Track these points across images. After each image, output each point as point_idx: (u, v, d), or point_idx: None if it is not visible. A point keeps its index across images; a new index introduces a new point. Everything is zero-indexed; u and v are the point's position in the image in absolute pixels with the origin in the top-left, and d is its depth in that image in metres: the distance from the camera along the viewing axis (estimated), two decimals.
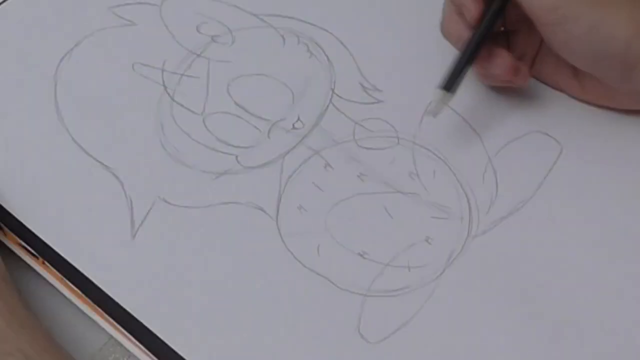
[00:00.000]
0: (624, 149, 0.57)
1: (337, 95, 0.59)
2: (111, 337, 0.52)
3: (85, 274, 0.52)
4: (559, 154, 0.57)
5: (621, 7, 0.52)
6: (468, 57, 0.55)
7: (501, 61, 0.55)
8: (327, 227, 0.54)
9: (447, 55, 0.58)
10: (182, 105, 0.58)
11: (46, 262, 0.53)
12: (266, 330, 0.51)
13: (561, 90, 0.58)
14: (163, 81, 0.59)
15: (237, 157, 0.57)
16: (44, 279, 0.53)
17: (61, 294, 0.52)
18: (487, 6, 0.55)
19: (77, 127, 0.58)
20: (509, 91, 0.58)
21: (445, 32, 0.57)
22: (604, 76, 0.54)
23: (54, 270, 0.53)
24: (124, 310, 0.51)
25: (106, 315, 0.51)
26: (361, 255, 0.53)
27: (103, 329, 0.52)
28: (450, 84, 0.54)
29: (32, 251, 0.53)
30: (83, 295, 0.52)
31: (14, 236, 0.54)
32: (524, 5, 0.54)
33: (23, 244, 0.53)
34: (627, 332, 0.51)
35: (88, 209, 0.55)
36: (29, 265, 0.53)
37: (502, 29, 0.57)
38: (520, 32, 0.57)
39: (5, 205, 0.54)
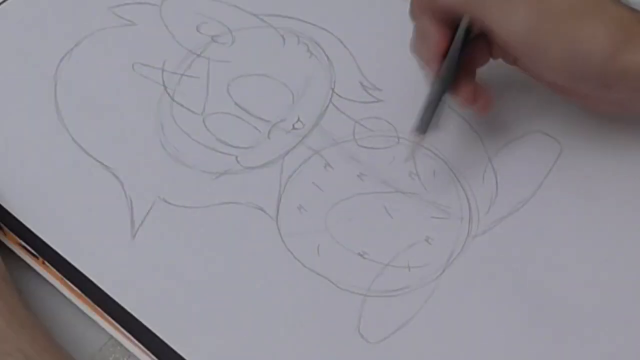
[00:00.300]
0: (623, 149, 0.57)
1: (337, 95, 0.59)
2: (111, 337, 0.52)
3: (85, 274, 0.52)
4: (559, 154, 0.57)
5: (597, 23, 0.51)
6: (439, 97, 0.53)
7: (463, 96, 0.54)
8: (327, 227, 0.54)
9: None
10: (182, 105, 0.58)
11: (46, 262, 0.53)
12: (266, 330, 0.51)
13: (548, 88, 0.58)
14: (163, 81, 0.59)
15: (237, 157, 0.57)
16: (44, 279, 0.53)
17: (61, 294, 0.52)
18: (451, 39, 0.53)
19: (77, 127, 0.58)
20: (508, 91, 0.58)
21: (414, 51, 0.56)
22: (585, 90, 0.53)
23: (54, 270, 0.53)
24: (124, 310, 0.51)
25: (106, 315, 0.52)
26: (361, 255, 0.53)
27: (103, 329, 0.52)
28: (424, 126, 0.53)
29: (32, 251, 0.53)
30: (83, 295, 0.52)
31: (14, 236, 0.54)
32: (497, 37, 0.52)
33: (23, 243, 0.53)
34: (627, 332, 0.51)
35: (88, 209, 0.55)
36: (29, 265, 0.53)
37: None
38: None
39: (5, 205, 0.54)
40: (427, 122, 0.53)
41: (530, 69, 0.55)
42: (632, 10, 0.52)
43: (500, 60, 0.58)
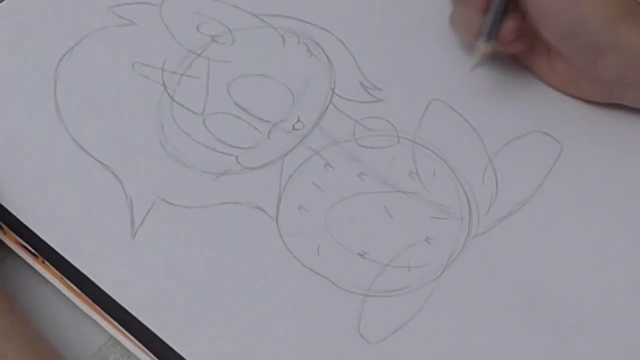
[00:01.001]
0: (623, 149, 0.57)
1: (337, 95, 0.59)
2: (111, 337, 0.52)
3: (85, 273, 0.52)
4: (559, 154, 0.57)
5: None
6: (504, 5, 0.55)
7: (509, 29, 0.55)
8: (327, 227, 0.54)
9: (446, 53, 0.59)
10: (182, 105, 0.58)
11: (46, 261, 0.53)
12: (266, 330, 0.51)
13: (532, 72, 0.59)
14: (163, 81, 0.59)
15: (237, 157, 0.57)
16: (44, 278, 0.53)
17: (61, 293, 0.52)
18: None
19: (77, 127, 0.57)
20: (509, 90, 0.58)
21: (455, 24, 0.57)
22: (571, 55, 0.55)
23: (54, 270, 0.53)
24: (124, 309, 0.51)
25: (106, 315, 0.51)
26: (361, 255, 0.53)
27: (103, 329, 0.52)
28: (492, 33, 0.55)
29: (32, 250, 0.53)
30: (83, 295, 0.52)
31: (14, 235, 0.54)
32: None
33: (23, 242, 0.53)
34: (627, 332, 0.51)
35: (88, 208, 0.55)
36: (28, 265, 0.53)
37: None
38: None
39: (5, 205, 0.54)
40: (495, 29, 0.55)
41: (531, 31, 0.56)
42: None
43: (501, 60, 0.59)
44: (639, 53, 0.53)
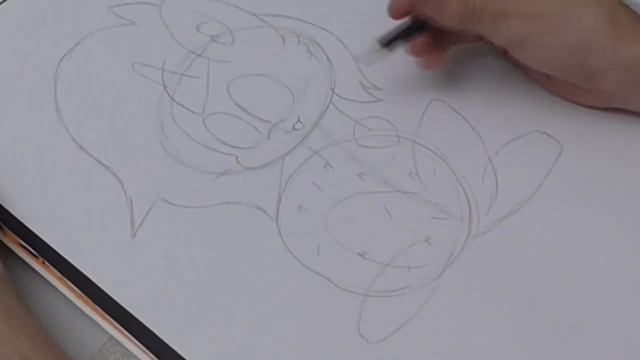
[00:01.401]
0: (623, 149, 0.57)
1: (337, 95, 0.59)
2: (111, 337, 0.52)
3: (85, 273, 0.52)
4: (559, 154, 0.57)
5: (586, 15, 0.52)
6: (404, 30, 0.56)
7: (414, 42, 0.56)
8: (327, 227, 0.54)
9: None
10: (182, 105, 0.58)
11: (46, 262, 0.53)
12: (266, 330, 0.51)
13: (532, 79, 0.59)
14: (163, 81, 0.59)
15: (237, 157, 0.57)
16: (44, 278, 0.53)
17: (61, 293, 0.52)
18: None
19: (77, 127, 0.58)
20: (509, 90, 0.58)
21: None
22: (569, 79, 0.55)
23: (54, 270, 0.53)
24: (124, 309, 0.51)
25: (106, 315, 0.51)
26: (361, 255, 0.53)
27: (103, 329, 0.52)
28: (383, 40, 0.56)
29: (32, 250, 0.53)
30: (83, 295, 0.52)
31: (14, 235, 0.54)
32: (489, 38, 0.55)
33: (23, 243, 0.53)
34: (627, 332, 0.51)
35: (88, 208, 0.55)
36: (28, 265, 0.53)
37: None
38: None
39: (5, 205, 0.54)
40: (391, 39, 0.56)
41: (519, 61, 0.57)
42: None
43: (500, 60, 0.59)
44: (634, 65, 0.53)
